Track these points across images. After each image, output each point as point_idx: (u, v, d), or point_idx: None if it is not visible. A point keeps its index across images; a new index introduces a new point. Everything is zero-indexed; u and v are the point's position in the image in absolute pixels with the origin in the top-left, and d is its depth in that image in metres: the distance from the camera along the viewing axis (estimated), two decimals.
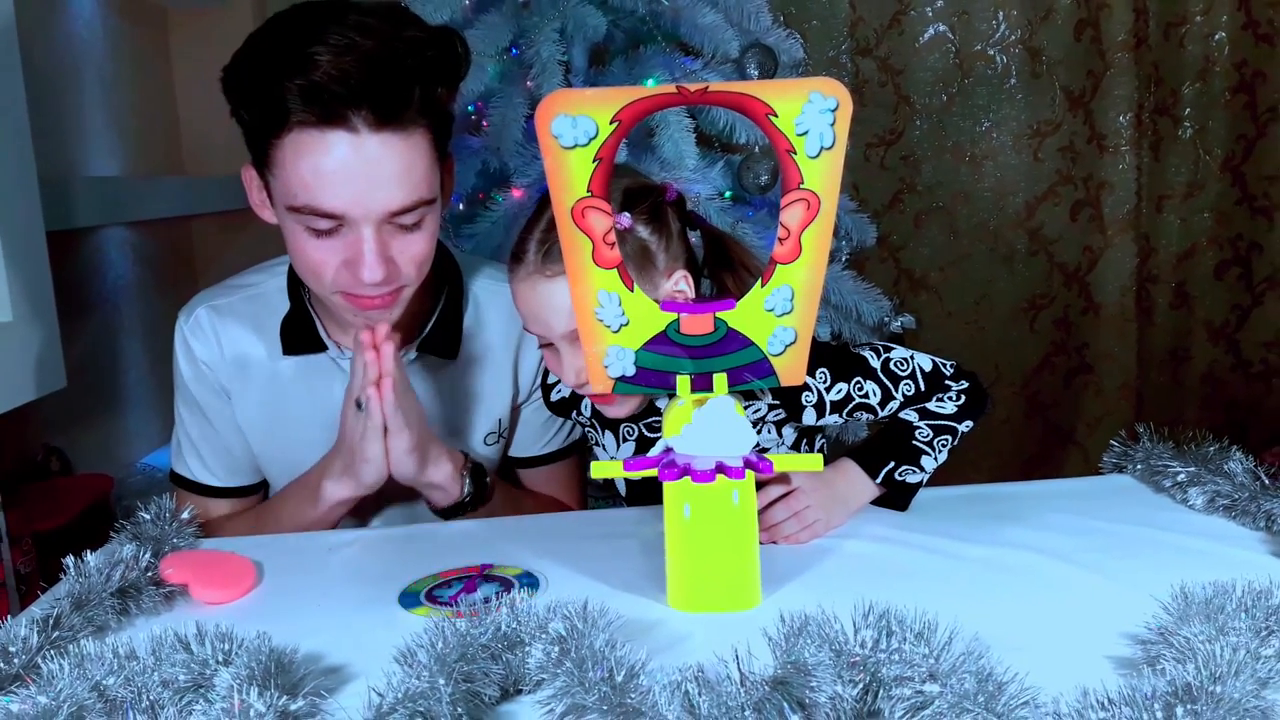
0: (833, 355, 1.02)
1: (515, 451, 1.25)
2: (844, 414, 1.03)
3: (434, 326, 1.14)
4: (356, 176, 0.93)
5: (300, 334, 1.13)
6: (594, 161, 0.80)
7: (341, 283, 0.99)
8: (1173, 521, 0.90)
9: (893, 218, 2.68)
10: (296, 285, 1.13)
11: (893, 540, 0.90)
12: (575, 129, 0.78)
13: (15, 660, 0.67)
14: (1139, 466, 1.00)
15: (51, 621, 0.70)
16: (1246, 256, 2.72)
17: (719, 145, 1.90)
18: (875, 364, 1.01)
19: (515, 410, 1.22)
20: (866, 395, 1.01)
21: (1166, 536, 0.87)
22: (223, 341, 1.15)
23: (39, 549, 1.52)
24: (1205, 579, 0.68)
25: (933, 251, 2.71)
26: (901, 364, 1.01)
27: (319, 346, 1.13)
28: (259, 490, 1.23)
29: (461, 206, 1.83)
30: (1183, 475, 0.92)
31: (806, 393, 1.01)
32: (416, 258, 1.01)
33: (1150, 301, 2.76)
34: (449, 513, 1.09)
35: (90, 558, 0.79)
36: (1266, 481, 0.92)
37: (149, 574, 0.81)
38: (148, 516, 0.91)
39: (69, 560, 0.78)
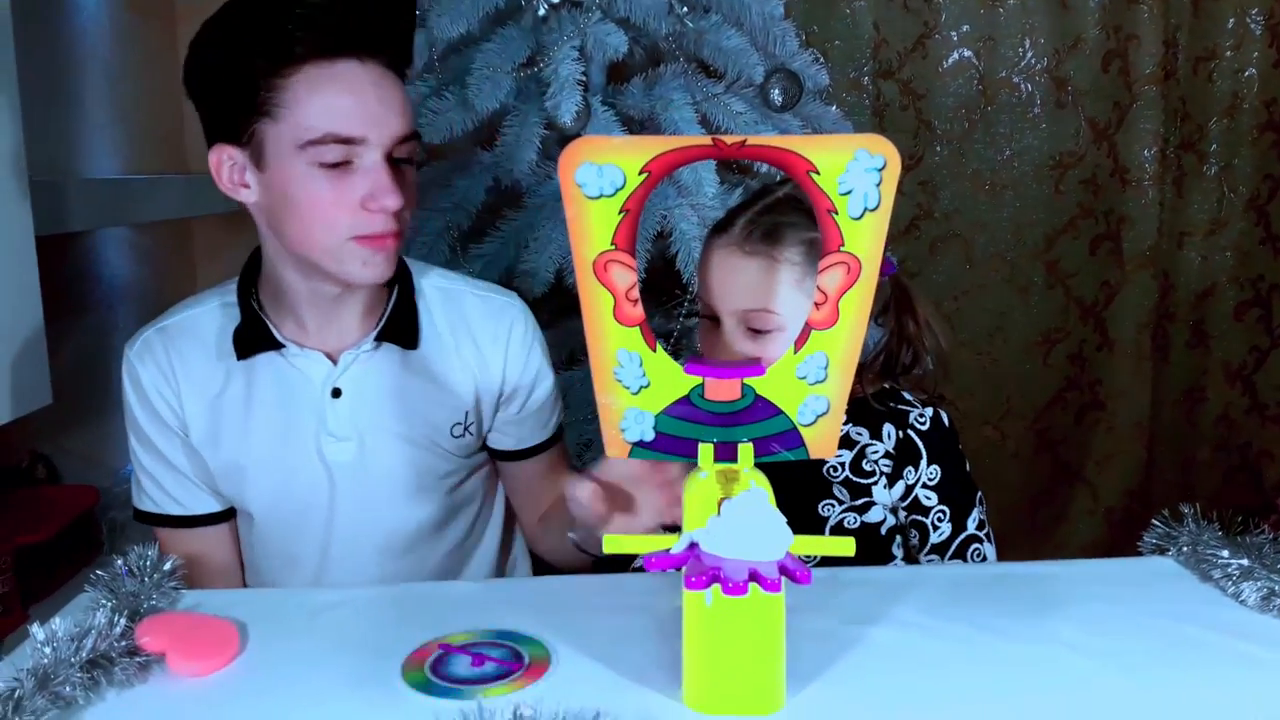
0: (964, 484, 1.13)
1: (521, 444, 1.23)
2: (905, 507, 1.11)
3: (391, 314, 1.13)
4: (370, 101, 0.99)
5: (255, 337, 1.11)
6: (620, 213, 0.74)
7: (357, 226, 1.01)
8: (1223, 619, 0.83)
9: (908, 243, 2.62)
10: (245, 295, 1.12)
11: (923, 627, 0.83)
12: (601, 178, 0.73)
13: None
14: (1184, 550, 0.93)
15: (12, 705, 0.64)
16: (1267, 298, 2.66)
17: (737, 170, 1.85)
18: (971, 527, 1.11)
19: (481, 409, 1.18)
20: (936, 524, 1.11)
21: (1216, 638, 0.79)
22: (173, 360, 1.12)
23: (20, 563, 1.46)
24: (1259, 692, 0.62)
25: (948, 279, 2.64)
26: (975, 554, 1.10)
27: (275, 345, 1.10)
28: (229, 517, 1.19)
29: (469, 225, 1.76)
30: (1234, 567, 0.86)
31: (909, 469, 1.12)
32: (410, 200, 1.05)
33: (1167, 339, 2.70)
34: None
35: (58, 624, 0.72)
36: None
37: (123, 642, 0.74)
38: (125, 569, 0.85)
39: (35, 629, 0.71)
